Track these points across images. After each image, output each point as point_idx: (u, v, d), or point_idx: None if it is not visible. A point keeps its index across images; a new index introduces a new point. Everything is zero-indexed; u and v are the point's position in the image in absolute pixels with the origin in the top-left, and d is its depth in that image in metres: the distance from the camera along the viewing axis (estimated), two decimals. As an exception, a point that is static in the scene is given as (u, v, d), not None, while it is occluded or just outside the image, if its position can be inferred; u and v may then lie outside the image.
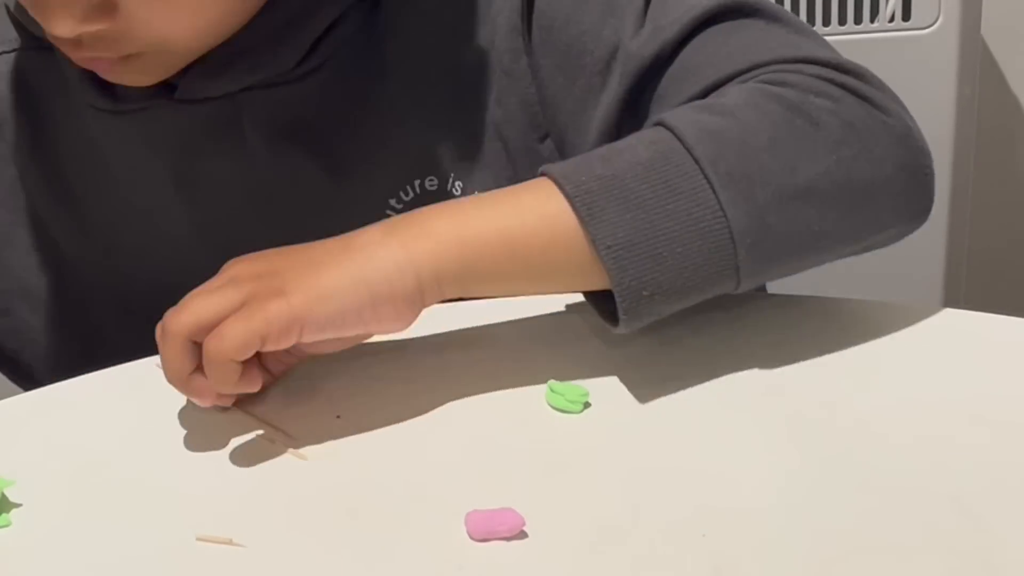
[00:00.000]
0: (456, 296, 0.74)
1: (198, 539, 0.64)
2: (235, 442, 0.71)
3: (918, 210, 0.76)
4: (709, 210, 0.69)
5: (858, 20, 1.37)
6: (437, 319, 0.80)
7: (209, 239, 0.88)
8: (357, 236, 0.72)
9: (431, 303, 0.72)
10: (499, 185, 0.76)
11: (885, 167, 0.74)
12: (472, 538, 0.63)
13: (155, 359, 0.71)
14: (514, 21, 0.85)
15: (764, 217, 0.70)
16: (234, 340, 0.68)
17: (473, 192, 0.86)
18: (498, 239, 0.71)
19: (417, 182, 0.87)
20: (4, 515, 0.67)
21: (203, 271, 0.74)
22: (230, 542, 0.64)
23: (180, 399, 0.75)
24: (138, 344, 0.76)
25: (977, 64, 1.42)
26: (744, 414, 0.71)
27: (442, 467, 0.68)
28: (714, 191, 0.69)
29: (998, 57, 1.62)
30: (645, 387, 0.73)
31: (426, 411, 0.73)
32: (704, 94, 0.78)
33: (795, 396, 0.72)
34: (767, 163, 0.71)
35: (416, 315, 0.72)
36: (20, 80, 0.90)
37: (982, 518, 0.63)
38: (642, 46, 0.81)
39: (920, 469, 0.66)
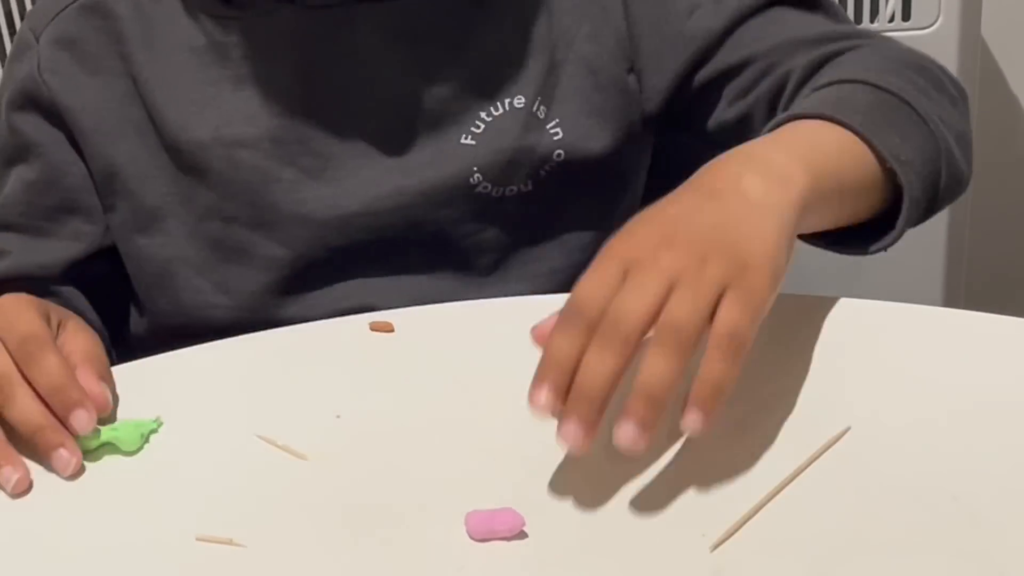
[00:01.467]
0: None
1: (198, 539, 0.64)
2: (235, 442, 0.71)
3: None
4: (934, 141, 0.84)
5: (858, 20, 1.37)
6: (437, 319, 0.80)
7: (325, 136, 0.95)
8: (739, 188, 0.73)
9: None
10: (587, 115, 0.95)
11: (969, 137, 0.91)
12: (472, 538, 0.63)
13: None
14: None
15: (952, 151, 0.85)
16: (746, 327, 0.66)
17: (556, 119, 0.95)
18: (829, 172, 0.78)
19: (508, 100, 0.94)
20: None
21: None
22: (230, 542, 0.64)
23: (179, 401, 0.75)
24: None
25: (977, 64, 1.42)
26: (744, 414, 0.71)
27: (442, 467, 0.68)
28: (931, 129, 0.84)
29: (998, 57, 1.62)
30: (645, 387, 0.73)
31: (426, 411, 0.73)
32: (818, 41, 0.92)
33: (794, 396, 0.72)
34: (941, 106, 0.87)
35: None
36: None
37: (982, 518, 0.63)
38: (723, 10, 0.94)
39: (920, 469, 0.66)
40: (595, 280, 0.67)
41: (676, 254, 0.67)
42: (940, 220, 1.43)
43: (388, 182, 0.94)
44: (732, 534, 0.62)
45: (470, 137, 0.94)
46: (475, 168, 0.94)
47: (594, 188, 0.98)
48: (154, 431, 0.72)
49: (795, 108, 0.84)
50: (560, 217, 0.98)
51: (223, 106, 0.95)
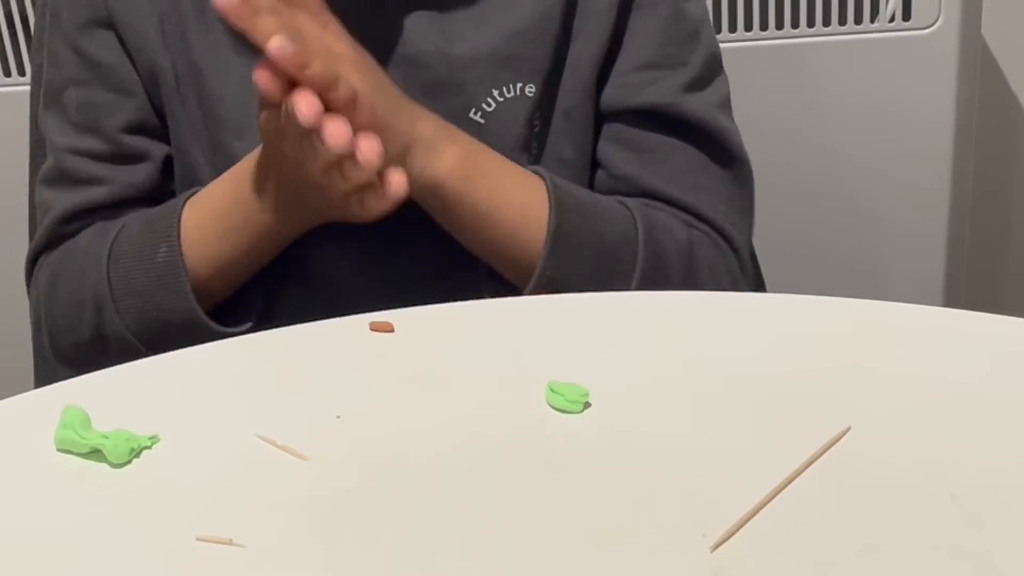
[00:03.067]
0: (427, 205, 0.93)
1: (198, 539, 0.64)
2: (235, 442, 0.71)
3: None
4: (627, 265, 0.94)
5: (858, 20, 1.36)
6: (437, 319, 0.81)
7: None
8: (424, 115, 0.91)
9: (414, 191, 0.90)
10: (559, 114, 0.98)
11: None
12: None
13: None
14: None
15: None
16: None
17: (538, 113, 0.98)
18: (479, 198, 0.92)
19: (520, 85, 0.96)
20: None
21: None
22: (230, 542, 0.64)
23: (179, 401, 0.75)
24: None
25: (977, 64, 1.42)
26: (744, 414, 0.71)
27: (442, 467, 0.68)
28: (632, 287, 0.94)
29: (998, 57, 1.62)
30: (645, 387, 0.73)
31: (426, 411, 0.73)
32: (661, 197, 0.98)
33: (795, 396, 0.72)
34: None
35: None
36: None
37: (982, 518, 0.63)
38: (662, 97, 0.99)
39: (920, 469, 0.66)
40: None
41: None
42: (940, 220, 1.44)
43: None
44: (732, 534, 0.62)
45: (479, 114, 0.96)
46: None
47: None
48: (147, 448, 0.71)
49: (557, 183, 0.94)
50: None
51: (250, 64, 0.95)
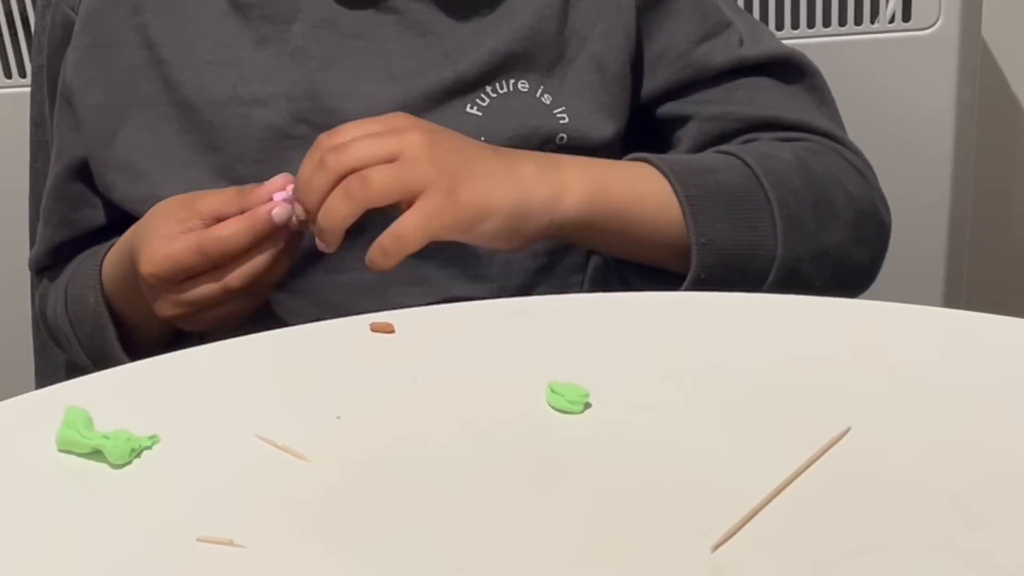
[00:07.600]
0: (565, 240, 0.93)
1: (198, 539, 0.64)
2: (235, 443, 0.71)
3: (865, 285, 1.01)
4: (769, 245, 0.93)
5: (858, 21, 1.37)
6: (437, 319, 0.81)
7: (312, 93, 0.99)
8: (518, 163, 0.88)
9: (542, 239, 0.90)
10: (593, 109, 0.99)
11: (869, 254, 1.00)
12: None
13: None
14: None
15: (798, 265, 0.93)
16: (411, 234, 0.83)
17: (563, 106, 0.99)
18: (618, 208, 0.90)
19: (512, 81, 0.99)
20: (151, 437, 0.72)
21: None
22: (230, 542, 0.64)
23: (179, 401, 0.75)
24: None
25: (977, 65, 1.42)
26: (744, 413, 0.71)
27: (442, 467, 0.68)
28: (776, 230, 0.92)
29: (998, 58, 1.62)
30: (645, 387, 0.73)
31: (426, 411, 0.73)
32: (757, 122, 1.00)
33: (794, 396, 0.72)
34: (810, 221, 0.94)
35: (527, 247, 0.90)
36: None
37: (982, 518, 0.63)
38: (728, 54, 1.01)
39: (920, 469, 0.66)
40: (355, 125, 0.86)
41: (421, 143, 0.84)
42: (940, 220, 1.44)
43: None
44: (732, 534, 0.62)
45: (475, 108, 0.97)
46: (482, 137, 0.96)
47: None
48: (147, 448, 0.71)
49: (659, 158, 0.94)
50: None
51: (241, 66, 0.98)
